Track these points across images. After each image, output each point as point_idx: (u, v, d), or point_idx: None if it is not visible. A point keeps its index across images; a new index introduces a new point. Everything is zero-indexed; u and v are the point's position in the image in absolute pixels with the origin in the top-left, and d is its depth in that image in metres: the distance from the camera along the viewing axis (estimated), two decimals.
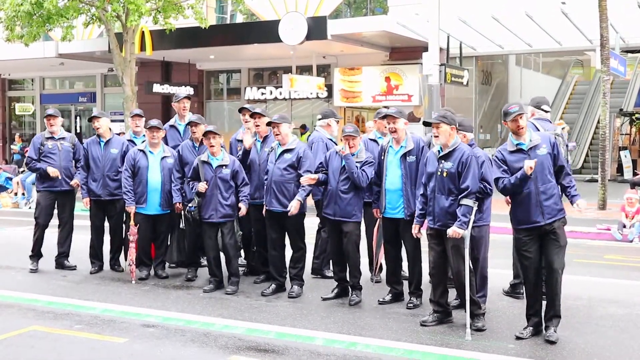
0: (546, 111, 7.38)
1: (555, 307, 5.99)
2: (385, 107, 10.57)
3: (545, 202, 5.91)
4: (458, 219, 6.06)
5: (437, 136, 6.23)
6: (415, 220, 6.59)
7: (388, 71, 19.76)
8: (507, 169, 6.01)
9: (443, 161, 6.23)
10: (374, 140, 7.78)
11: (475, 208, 6.08)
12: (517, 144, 6.02)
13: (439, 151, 6.30)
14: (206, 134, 7.67)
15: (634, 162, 20.83)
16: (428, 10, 15.20)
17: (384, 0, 21.30)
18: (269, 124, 7.61)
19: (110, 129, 8.91)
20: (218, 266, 7.81)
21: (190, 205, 7.84)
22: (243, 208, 7.69)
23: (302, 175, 7.35)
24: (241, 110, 8.35)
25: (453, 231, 6.06)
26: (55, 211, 9.03)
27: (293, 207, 7.28)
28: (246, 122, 8.20)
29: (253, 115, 7.93)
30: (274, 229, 7.57)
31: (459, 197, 6.11)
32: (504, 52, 20.28)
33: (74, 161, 8.92)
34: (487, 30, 18.04)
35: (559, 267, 5.94)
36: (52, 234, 9.13)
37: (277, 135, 7.47)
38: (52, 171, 8.69)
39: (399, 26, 17.53)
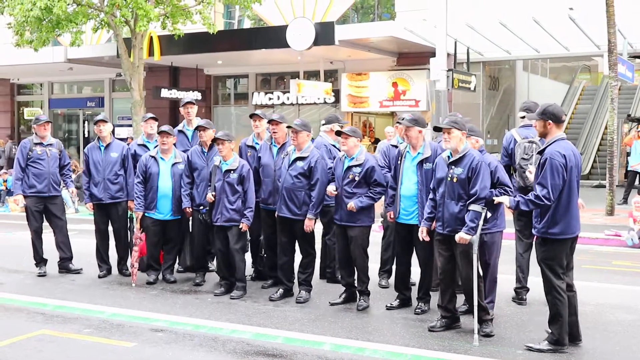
0: (522, 117, 7.43)
1: (548, 324, 5.93)
2: (392, 112, 10.57)
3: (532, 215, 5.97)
4: (466, 225, 6.07)
5: (447, 141, 6.23)
6: (422, 223, 6.59)
7: (395, 76, 19.77)
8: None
9: (453, 167, 6.23)
10: (396, 146, 7.73)
11: (484, 214, 6.08)
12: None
13: (448, 157, 6.30)
14: (215, 140, 7.71)
15: None
16: (435, 15, 15.22)
17: (391, 5, 21.33)
18: (288, 126, 7.62)
19: (112, 133, 8.95)
20: (228, 269, 7.82)
21: (202, 207, 7.93)
22: (243, 226, 7.64)
23: (312, 184, 7.37)
24: (252, 116, 8.36)
25: (460, 237, 6.06)
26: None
27: (308, 226, 7.37)
28: (257, 127, 8.21)
29: (270, 121, 7.91)
30: (284, 233, 7.60)
31: (467, 202, 6.12)
32: (512, 57, 20.25)
33: (59, 168, 8.96)
34: (495, 36, 18.02)
35: (543, 284, 5.90)
36: (51, 237, 9.18)
37: (294, 140, 7.50)
38: (15, 199, 8.91)
39: (406, 32, 17.54)
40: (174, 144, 8.79)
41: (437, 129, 6.46)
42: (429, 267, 6.99)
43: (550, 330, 5.84)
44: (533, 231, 5.93)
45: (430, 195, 6.51)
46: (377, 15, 22.35)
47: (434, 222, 6.48)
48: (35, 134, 8.94)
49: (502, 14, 17.05)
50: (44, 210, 8.96)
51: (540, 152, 5.87)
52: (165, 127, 8.38)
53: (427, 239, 6.59)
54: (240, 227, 7.62)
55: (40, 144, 8.89)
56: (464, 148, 6.24)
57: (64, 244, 9.03)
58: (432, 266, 7.02)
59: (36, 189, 8.81)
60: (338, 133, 7.29)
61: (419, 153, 6.90)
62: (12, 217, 16.39)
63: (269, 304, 7.44)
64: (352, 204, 7.02)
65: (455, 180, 6.19)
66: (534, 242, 6.55)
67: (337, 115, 8.66)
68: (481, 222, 6.07)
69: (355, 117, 21.81)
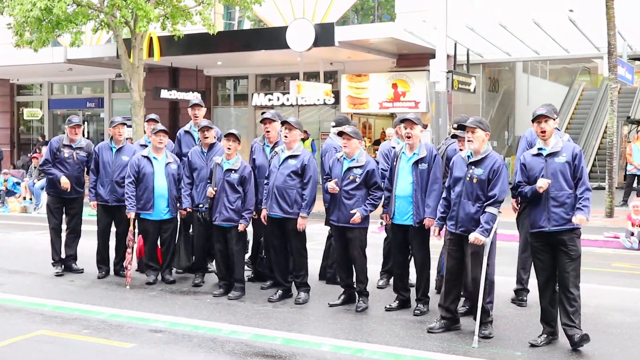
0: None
1: (573, 321, 5.85)
2: (392, 114, 10.53)
3: (553, 208, 5.89)
4: (481, 226, 6.04)
5: (470, 141, 6.19)
6: (435, 222, 6.57)
7: (395, 78, 19.78)
8: (526, 172, 6.05)
9: (473, 167, 6.20)
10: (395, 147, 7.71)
11: (499, 217, 6.06)
12: (539, 148, 6.05)
13: (468, 156, 6.28)
14: (227, 135, 7.63)
15: None
16: (436, 17, 15.23)
17: (391, 7, 21.35)
18: (283, 123, 7.57)
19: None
20: (228, 269, 7.81)
21: (202, 205, 7.94)
22: (241, 227, 7.59)
23: (305, 183, 7.37)
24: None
25: (475, 237, 6.03)
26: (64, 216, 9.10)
27: (300, 225, 7.36)
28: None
29: (263, 120, 7.94)
30: (275, 234, 7.57)
31: (485, 204, 6.11)
32: (511, 59, 20.27)
33: (86, 168, 8.97)
34: (495, 38, 18.04)
35: (570, 281, 5.84)
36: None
37: (285, 137, 7.48)
38: (64, 182, 8.68)
39: (406, 33, 17.56)
40: (180, 146, 8.85)
41: (461, 127, 6.43)
42: (425, 268, 6.99)
43: (576, 325, 5.85)
44: (571, 225, 5.87)
45: (444, 195, 6.48)
46: (377, 16, 22.37)
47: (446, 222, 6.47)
48: (67, 135, 8.95)
49: (502, 15, 17.07)
50: (63, 208, 9.01)
51: (554, 153, 5.93)
52: (161, 126, 8.39)
53: (440, 238, 6.57)
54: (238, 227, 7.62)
55: (69, 146, 8.88)
56: (486, 149, 6.23)
57: (72, 243, 9.04)
58: (429, 267, 7.01)
59: (57, 189, 8.84)
60: (340, 134, 7.25)
61: (414, 153, 6.90)
62: (12, 218, 16.41)
63: (268, 305, 7.43)
64: (358, 216, 7.02)
65: (475, 180, 6.16)
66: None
67: (346, 116, 8.62)
68: (495, 225, 6.06)
69: (354, 118, 21.79)
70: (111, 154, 8.73)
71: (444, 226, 6.49)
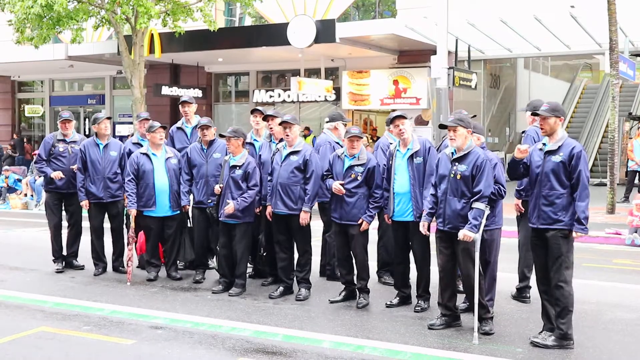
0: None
1: (556, 320, 5.85)
2: (392, 110, 10.57)
3: (543, 207, 5.89)
4: (469, 222, 6.04)
5: (453, 139, 6.20)
6: (423, 218, 6.57)
7: (396, 74, 19.77)
8: (529, 164, 6.06)
9: (457, 164, 6.20)
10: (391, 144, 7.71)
11: (487, 212, 6.07)
12: (543, 143, 6.06)
13: (452, 153, 6.29)
14: (222, 136, 7.70)
15: None
16: (437, 13, 15.19)
17: (392, 3, 21.31)
18: (281, 123, 7.60)
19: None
20: (229, 266, 7.79)
21: (210, 201, 7.95)
22: (229, 206, 7.47)
23: (307, 178, 7.37)
24: (253, 111, 8.37)
25: (464, 234, 6.04)
26: (64, 212, 9.10)
27: (303, 219, 7.34)
28: (257, 123, 8.23)
29: (266, 117, 7.95)
30: (280, 231, 7.57)
31: (471, 200, 6.11)
32: (513, 55, 20.25)
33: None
34: (496, 34, 18.01)
35: (557, 280, 5.82)
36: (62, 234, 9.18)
37: (287, 136, 7.48)
38: (55, 174, 8.73)
39: (407, 29, 17.54)
40: (172, 142, 8.85)
41: (442, 127, 6.44)
42: (425, 265, 6.99)
43: (557, 326, 5.83)
44: (558, 225, 5.84)
45: (431, 191, 6.49)
46: (378, 12, 22.33)
47: (434, 218, 6.48)
48: (60, 130, 8.99)
49: (503, 11, 17.03)
50: (62, 205, 9.01)
51: (552, 151, 5.89)
52: (156, 123, 8.40)
53: (428, 233, 6.59)
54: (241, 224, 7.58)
55: (63, 140, 8.92)
56: (469, 145, 6.23)
57: (74, 240, 9.06)
58: (429, 263, 7.01)
59: (55, 185, 8.86)
60: (350, 136, 7.17)
61: (408, 149, 6.92)
62: (13, 215, 16.42)
63: (269, 301, 7.43)
64: (365, 224, 7.09)
65: (459, 177, 6.17)
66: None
67: (340, 112, 8.65)
68: (484, 220, 6.06)
69: (356, 114, 21.80)
70: (99, 150, 8.68)
71: (431, 222, 6.52)
